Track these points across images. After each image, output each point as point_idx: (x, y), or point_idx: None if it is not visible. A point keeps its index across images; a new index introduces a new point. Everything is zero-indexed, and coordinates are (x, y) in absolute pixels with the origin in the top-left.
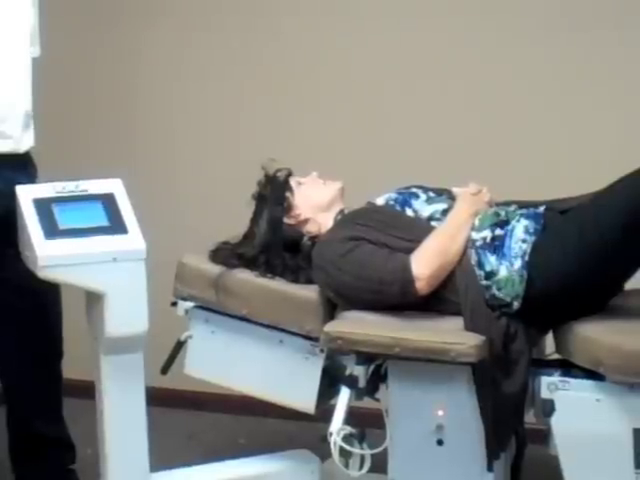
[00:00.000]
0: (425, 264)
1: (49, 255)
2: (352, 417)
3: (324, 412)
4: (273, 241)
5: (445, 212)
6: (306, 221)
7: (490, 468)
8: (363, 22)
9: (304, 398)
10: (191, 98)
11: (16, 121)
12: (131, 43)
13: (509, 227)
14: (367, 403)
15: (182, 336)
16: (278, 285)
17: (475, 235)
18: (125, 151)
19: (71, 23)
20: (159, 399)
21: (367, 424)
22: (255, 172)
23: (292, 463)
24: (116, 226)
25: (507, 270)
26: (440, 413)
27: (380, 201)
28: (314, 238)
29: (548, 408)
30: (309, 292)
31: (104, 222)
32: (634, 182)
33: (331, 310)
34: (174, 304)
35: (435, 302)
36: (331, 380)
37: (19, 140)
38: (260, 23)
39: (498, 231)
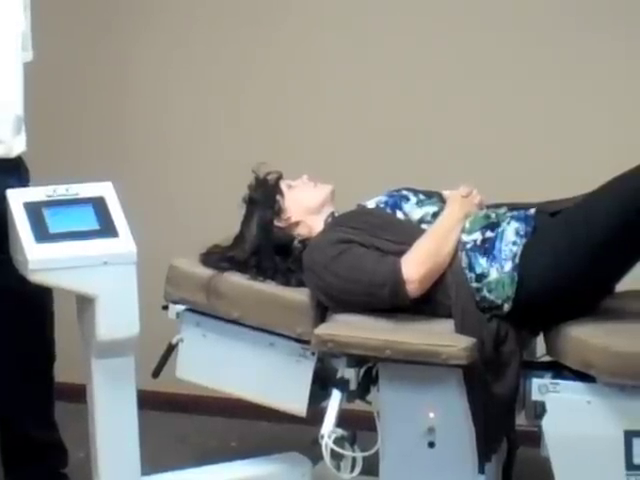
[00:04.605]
0: (416, 267)
1: (40, 259)
2: (343, 420)
3: (315, 415)
4: (264, 244)
5: (435, 215)
6: (297, 224)
7: (481, 470)
8: (353, 24)
9: (295, 401)
10: (182, 101)
11: (7, 126)
12: (122, 46)
13: (500, 229)
14: (358, 406)
15: (173, 339)
16: (269, 288)
17: (465, 237)
18: (116, 155)
19: (63, 27)
20: (150, 402)
21: (358, 427)
22: (246, 175)
23: (283, 466)
24: (107, 229)
25: (498, 272)
26: (431, 415)
27: (370, 204)
28: (305, 241)
29: (539, 410)
30: (300, 295)
31: (95, 226)
32: (624, 184)
33: (322, 313)
34: (165, 307)
35: (426, 304)
36: (322, 383)
37: (10, 145)
38: (251, 27)
39: (488, 233)
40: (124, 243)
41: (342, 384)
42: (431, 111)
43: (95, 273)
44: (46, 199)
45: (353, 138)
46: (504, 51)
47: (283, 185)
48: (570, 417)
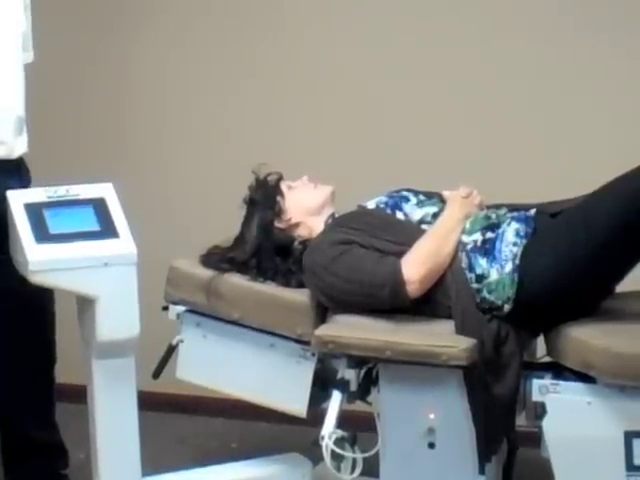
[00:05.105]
0: (416, 267)
1: (40, 260)
2: (344, 421)
3: (316, 416)
4: (264, 245)
5: (436, 215)
6: (297, 225)
7: (482, 471)
8: (353, 25)
9: (296, 402)
10: (182, 102)
11: (8, 127)
12: (122, 47)
13: (500, 230)
14: (359, 406)
15: (174, 340)
16: (269, 289)
17: (466, 238)
18: (117, 156)
19: (63, 28)
20: (151, 403)
21: (359, 427)
22: (247, 176)
23: (284, 467)
24: (107, 231)
25: (498, 273)
26: (431, 416)
27: (371, 205)
28: (305, 242)
29: (539, 411)
30: (300, 296)
31: (95, 227)
32: (625, 184)
33: (322, 314)
34: (165, 308)
35: (426, 305)
36: (323, 384)
37: (12, 146)
38: (251, 27)
39: (489, 234)
40: (124, 244)
41: (342, 385)
42: (431, 111)
43: (95, 274)
44: (47, 200)
45: (353, 139)
46: (504, 51)
47: (283, 186)
48: (570, 418)
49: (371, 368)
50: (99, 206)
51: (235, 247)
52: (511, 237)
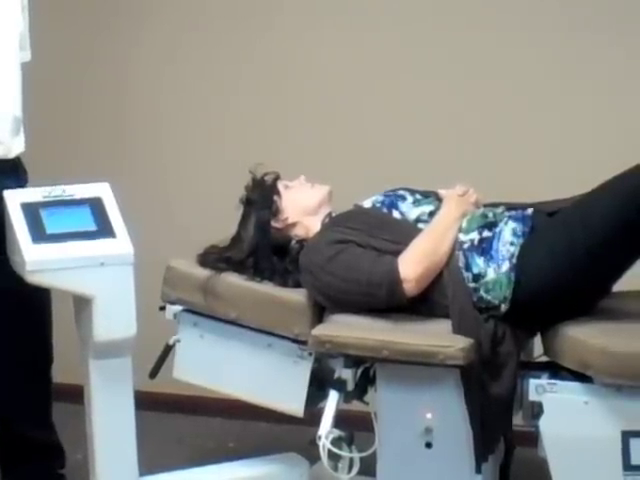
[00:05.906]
0: (412, 266)
1: (37, 260)
2: (341, 420)
3: (313, 415)
4: (261, 245)
5: (432, 214)
6: (294, 225)
7: (478, 470)
8: (348, 24)
9: (293, 401)
10: (180, 102)
11: (5, 126)
12: (120, 47)
13: (497, 229)
14: (356, 406)
15: (171, 340)
16: (266, 289)
17: (463, 237)
18: (114, 155)
19: (61, 28)
20: (148, 403)
21: (356, 427)
22: (244, 176)
23: (281, 466)
24: (104, 230)
25: (495, 272)
26: (428, 416)
27: (367, 204)
28: (302, 241)
29: (536, 410)
30: (297, 295)
31: (92, 226)
32: (624, 182)
33: (319, 313)
34: (162, 308)
35: (423, 304)
36: (320, 383)
37: (9, 145)
38: (249, 27)
39: (486, 233)
40: (121, 244)
41: (339, 385)
42: (428, 111)
43: (92, 274)
44: (43, 200)
45: (350, 139)
46: (503, 51)
47: (280, 186)
48: (567, 417)
49: (368, 368)
50: (96, 206)
51: (232, 247)
52: (508, 236)
